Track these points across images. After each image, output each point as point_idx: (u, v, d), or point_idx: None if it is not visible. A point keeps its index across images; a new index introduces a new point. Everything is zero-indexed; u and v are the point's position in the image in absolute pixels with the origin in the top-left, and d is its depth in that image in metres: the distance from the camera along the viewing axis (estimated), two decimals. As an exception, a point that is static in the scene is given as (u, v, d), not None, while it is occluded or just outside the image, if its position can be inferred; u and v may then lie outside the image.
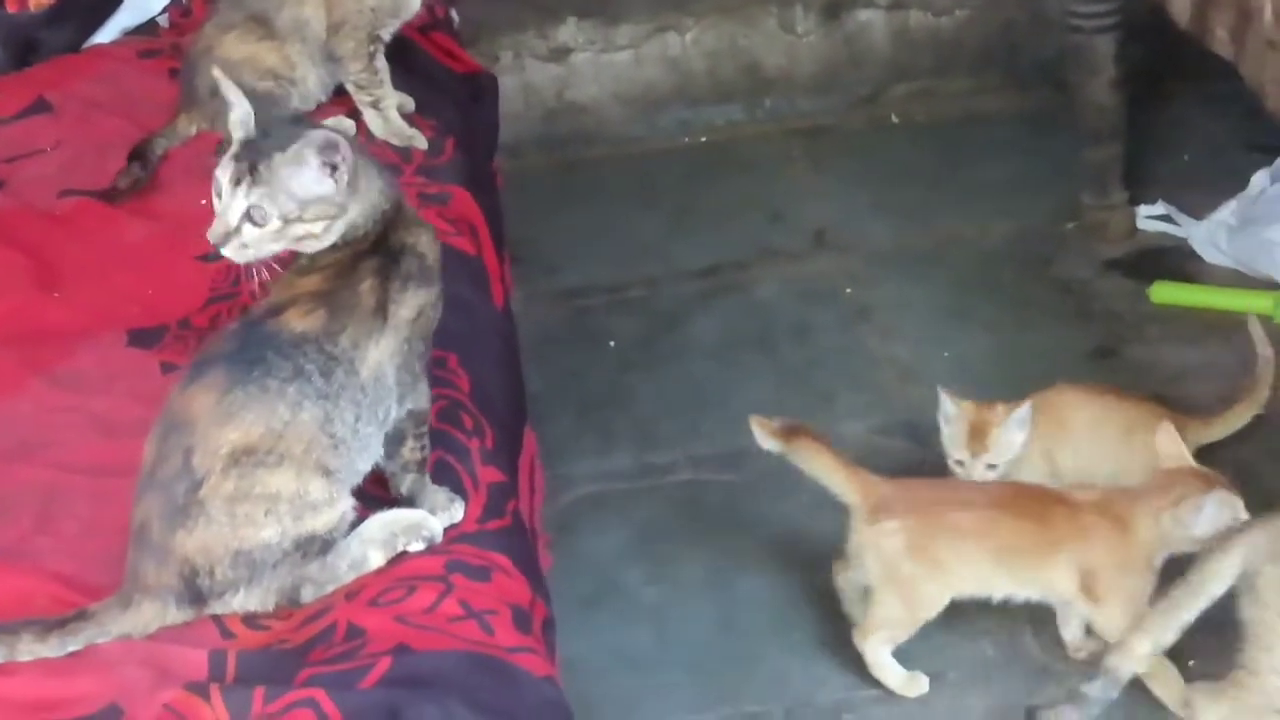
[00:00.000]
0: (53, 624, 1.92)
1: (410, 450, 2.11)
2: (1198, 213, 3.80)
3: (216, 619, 1.96)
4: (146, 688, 1.83)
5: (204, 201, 2.76)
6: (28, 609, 1.95)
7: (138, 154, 2.88)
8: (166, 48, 3.28)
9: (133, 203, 2.82)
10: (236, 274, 2.51)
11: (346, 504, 2.01)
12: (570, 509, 3.26)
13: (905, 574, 2.70)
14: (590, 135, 4.47)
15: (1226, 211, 3.72)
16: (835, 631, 2.94)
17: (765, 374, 3.62)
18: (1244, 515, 2.58)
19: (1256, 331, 3.11)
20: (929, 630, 2.91)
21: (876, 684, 2.82)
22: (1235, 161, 3.96)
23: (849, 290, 3.85)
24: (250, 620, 1.95)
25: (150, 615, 1.95)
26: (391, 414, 2.07)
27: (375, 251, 2.05)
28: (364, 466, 2.06)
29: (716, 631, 2.99)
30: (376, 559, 2.01)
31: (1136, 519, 2.65)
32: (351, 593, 1.95)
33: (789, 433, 2.81)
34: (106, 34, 3.37)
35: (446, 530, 2.06)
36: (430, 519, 2.06)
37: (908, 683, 2.79)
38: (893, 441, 3.32)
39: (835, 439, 3.33)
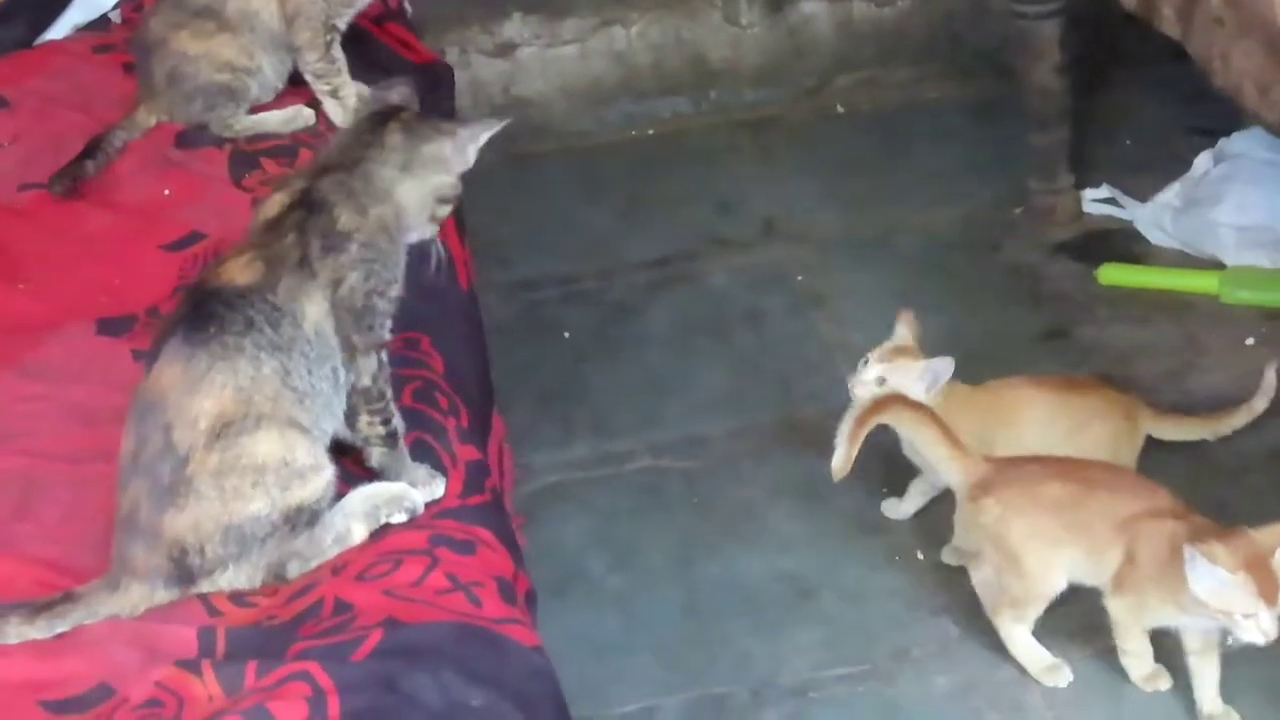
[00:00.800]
0: (40, 606, 1.92)
1: (367, 425, 2.13)
2: (1142, 195, 3.84)
3: (203, 597, 1.96)
4: (136, 666, 1.83)
5: (166, 192, 2.81)
6: (12, 593, 1.95)
7: (94, 145, 2.87)
8: (120, 43, 3.27)
9: (94, 194, 2.82)
10: (204, 262, 2.53)
11: (329, 472, 2.03)
12: (531, 499, 3.25)
13: (1009, 549, 2.68)
14: (537, 130, 4.47)
15: (1171, 194, 3.77)
16: (799, 613, 2.96)
17: (720, 362, 3.64)
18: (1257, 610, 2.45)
19: (1270, 378, 3.07)
20: (891, 607, 2.95)
21: (841, 663, 2.84)
22: (1176, 145, 3.99)
23: (800, 278, 3.87)
24: (237, 598, 1.96)
25: (138, 597, 1.95)
26: (341, 377, 2.09)
27: (301, 204, 2.09)
28: (328, 426, 2.08)
29: (681, 616, 2.99)
30: (359, 532, 2.03)
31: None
32: (337, 568, 1.96)
33: (880, 406, 2.80)
34: (58, 30, 3.36)
35: (428, 506, 2.07)
36: (411, 491, 2.08)
37: (1047, 670, 2.73)
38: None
39: (792, 423, 3.42)
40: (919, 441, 2.79)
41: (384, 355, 2.14)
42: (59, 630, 1.91)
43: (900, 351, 2.99)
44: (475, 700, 1.73)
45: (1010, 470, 2.73)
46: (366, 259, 2.10)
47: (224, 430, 1.94)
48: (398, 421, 2.15)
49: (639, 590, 3.06)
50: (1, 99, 3.08)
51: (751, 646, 2.91)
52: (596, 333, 3.78)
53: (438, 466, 2.15)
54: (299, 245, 2.05)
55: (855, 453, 2.79)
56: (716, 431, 3.44)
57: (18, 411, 2.30)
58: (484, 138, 2.24)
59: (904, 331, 3.03)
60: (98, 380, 2.33)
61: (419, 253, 2.23)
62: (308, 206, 2.08)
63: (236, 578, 1.98)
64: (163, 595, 1.96)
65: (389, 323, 2.14)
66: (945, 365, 2.95)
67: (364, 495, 2.06)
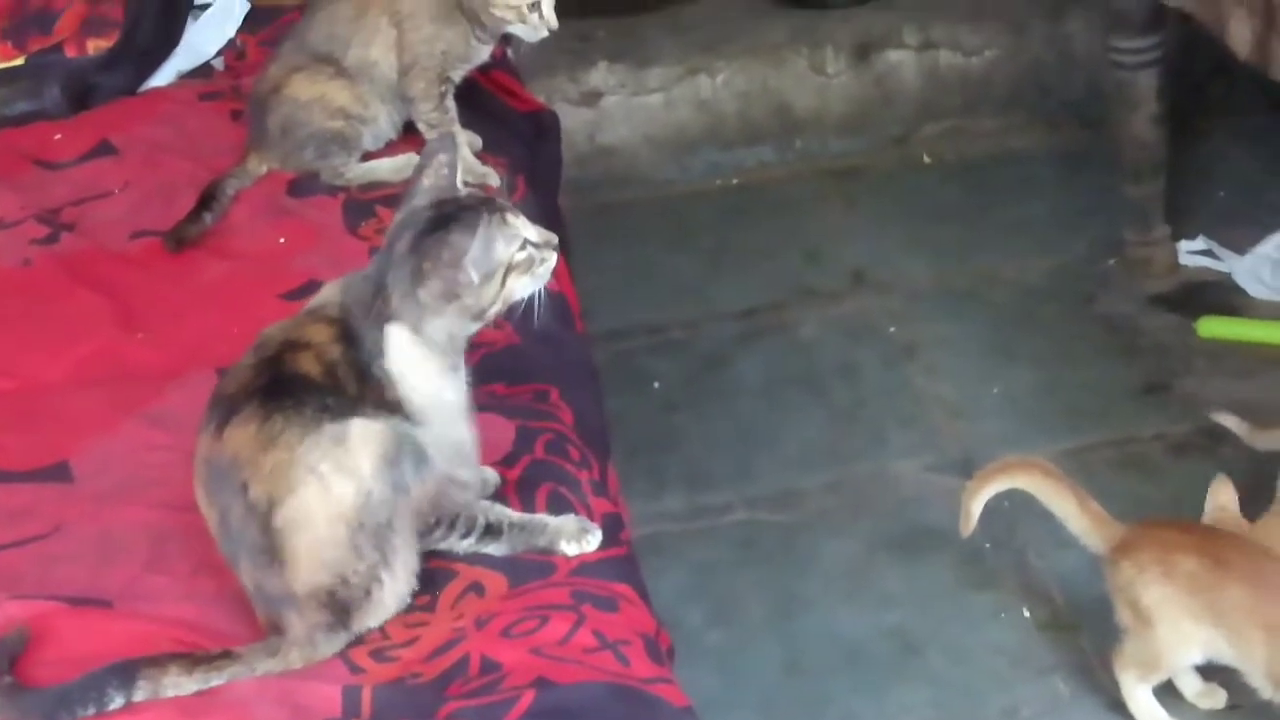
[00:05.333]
0: (199, 659, 1.88)
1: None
2: (1238, 247, 3.81)
3: (343, 654, 1.92)
4: (282, 726, 1.80)
5: (281, 240, 2.79)
6: (152, 650, 1.91)
7: (209, 196, 2.86)
8: (226, 90, 3.28)
9: (208, 242, 2.81)
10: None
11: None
12: (625, 551, 3.23)
13: (1142, 613, 2.64)
14: (622, 178, 4.46)
15: (1270, 245, 3.73)
16: (904, 670, 2.93)
17: (813, 413, 3.61)
18: None
19: None
20: (998, 665, 2.90)
21: (949, 721, 2.81)
22: (1271, 196, 3.98)
23: (892, 329, 3.84)
24: (378, 654, 1.92)
25: (297, 657, 1.92)
26: None
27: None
28: None
29: (783, 672, 2.96)
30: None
31: None
32: (481, 621, 1.92)
33: (1017, 468, 2.79)
34: (162, 77, 3.36)
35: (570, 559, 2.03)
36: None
37: None
38: (947, 478, 3.29)
39: (889, 478, 3.39)
40: (1056, 511, 2.76)
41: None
42: (214, 684, 1.88)
43: None
44: (632, 763, 1.70)
45: (1147, 535, 2.70)
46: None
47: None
48: (493, 517, 2.06)
49: (738, 645, 3.03)
50: (110, 146, 3.08)
51: (856, 705, 2.87)
52: (686, 383, 3.76)
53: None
54: (352, 382, 1.96)
55: (978, 511, 2.79)
56: (812, 485, 3.41)
57: (145, 461, 2.27)
58: (498, 238, 1.97)
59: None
60: (223, 431, 2.30)
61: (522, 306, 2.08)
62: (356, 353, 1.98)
63: (395, 587, 1.94)
64: (326, 648, 1.93)
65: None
66: None
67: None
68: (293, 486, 1.88)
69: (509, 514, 2.06)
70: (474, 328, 2.01)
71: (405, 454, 1.93)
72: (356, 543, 1.91)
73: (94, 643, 1.92)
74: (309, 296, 2.52)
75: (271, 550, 1.91)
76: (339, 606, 1.92)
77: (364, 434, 1.91)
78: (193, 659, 1.88)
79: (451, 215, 1.96)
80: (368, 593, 1.93)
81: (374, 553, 1.92)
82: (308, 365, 1.94)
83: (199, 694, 1.86)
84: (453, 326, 1.98)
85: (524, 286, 2.01)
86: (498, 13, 2.88)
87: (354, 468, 1.90)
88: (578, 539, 2.05)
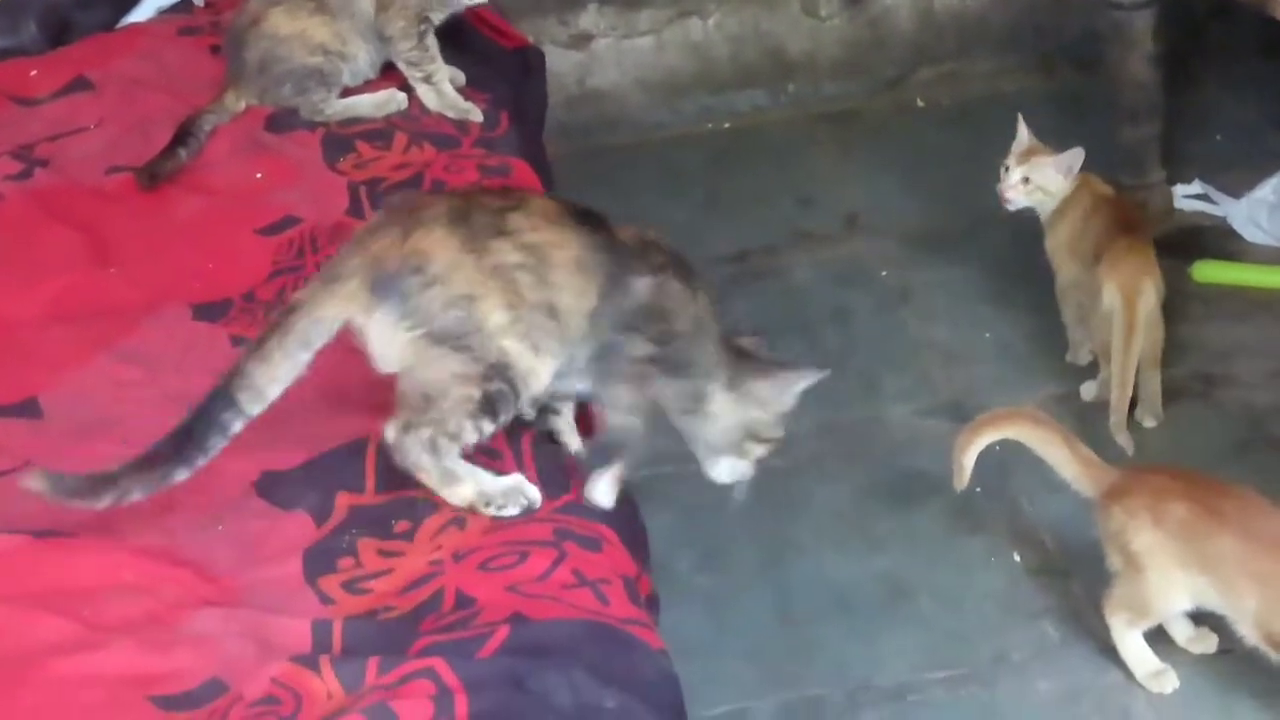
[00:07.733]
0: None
1: None
2: (1234, 191, 3.77)
3: (314, 584, 1.88)
4: (250, 661, 1.75)
5: (259, 175, 2.75)
6: (113, 582, 1.88)
7: (186, 132, 2.82)
8: (206, 25, 3.24)
9: (184, 178, 2.77)
10: (300, 246, 2.47)
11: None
12: (613, 495, 3.20)
13: (1132, 559, 2.61)
14: (613, 122, 4.42)
15: (1267, 189, 3.69)
16: (894, 614, 2.90)
17: (805, 357, 3.55)
18: None
19: None
20: (988, 609, 2.88)
21: (940, 666, 2.77)
22: (1267, 141, 3.96)
23: (884, 273, 3.80)
24: (351, 585, 1.88)
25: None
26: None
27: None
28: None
29: (772, 616, 2.94)
30: (460, 495, 2.01)
31: None
32: (459, 555, 1.88)
33: (1007, 419, 2.77)
34: (141, 13, 3.34)
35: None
36: (526, 485, 2.03)
37: (1153, 675, 2.67)
38: (938, 423, 3.27)
39: (880, 422, 3.36)
40: (1047, 458, 2.73)
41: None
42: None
43: (1032, 150, 3.29)
44: (609, 702, 1.66)
45: (1139, 480, 2.67)
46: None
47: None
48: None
49: (728, 590, 3.00)
50: (86, 81, 3.04)
51: (846, 648, 2.85)
52: (677, 327, 3.71)
53: (560, 463, 2.10)
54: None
55: (970, 464, 2.78)
56: (802, 429, 3.31)
57: (117, 397, 2.24)
58: (802, 385, 2.25)
59: (1025, 132, 3.30)
60: (196, 367, 2.26)
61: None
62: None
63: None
64: (364, 299, 1.97)
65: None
66: (1077, 154, 3.25)
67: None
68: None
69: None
70: (728, 440, 2.26)
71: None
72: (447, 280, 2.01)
73: (58, 574, 1.89)
74: (286, 231, 2.53)
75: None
76: (399, 284, 1.99)
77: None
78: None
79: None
80: (409, 296, 2.00)
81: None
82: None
83: (165, 628, 1.82)
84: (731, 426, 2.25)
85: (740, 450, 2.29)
86: None
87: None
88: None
